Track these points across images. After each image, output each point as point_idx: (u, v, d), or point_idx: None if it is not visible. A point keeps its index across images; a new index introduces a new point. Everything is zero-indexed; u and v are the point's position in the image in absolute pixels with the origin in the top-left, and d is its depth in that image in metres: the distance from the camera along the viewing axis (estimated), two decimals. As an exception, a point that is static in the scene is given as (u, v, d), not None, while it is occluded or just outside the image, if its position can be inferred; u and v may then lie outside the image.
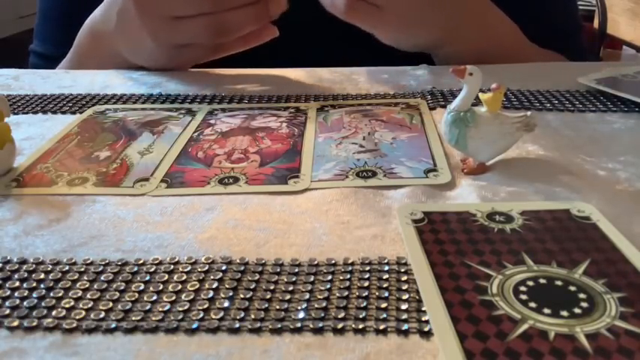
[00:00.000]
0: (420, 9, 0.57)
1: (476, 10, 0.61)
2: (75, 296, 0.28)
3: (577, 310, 0.26)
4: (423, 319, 0.26)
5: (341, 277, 0.29)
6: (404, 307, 0.27)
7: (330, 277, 0.29)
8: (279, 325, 0.26)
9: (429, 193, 0.36)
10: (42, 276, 0.29)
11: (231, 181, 0.39)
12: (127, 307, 0.27)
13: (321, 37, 0.58)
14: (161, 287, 0.29)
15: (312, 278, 0.29)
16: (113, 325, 0.26)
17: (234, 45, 0.58)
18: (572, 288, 0.27)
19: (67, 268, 0.30)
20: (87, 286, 0.29)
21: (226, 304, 0.27)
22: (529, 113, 0.39)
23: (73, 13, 0.71)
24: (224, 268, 0.30)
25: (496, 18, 0.63)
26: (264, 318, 0.26)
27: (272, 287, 0.28)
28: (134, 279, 0.29)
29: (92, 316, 0.27)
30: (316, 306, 0.27)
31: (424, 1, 0.57)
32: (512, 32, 0.64)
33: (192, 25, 0.54)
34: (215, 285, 0.29)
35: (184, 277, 0.29)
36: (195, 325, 0.26)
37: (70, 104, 0.54)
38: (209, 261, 0.30)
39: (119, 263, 0.31)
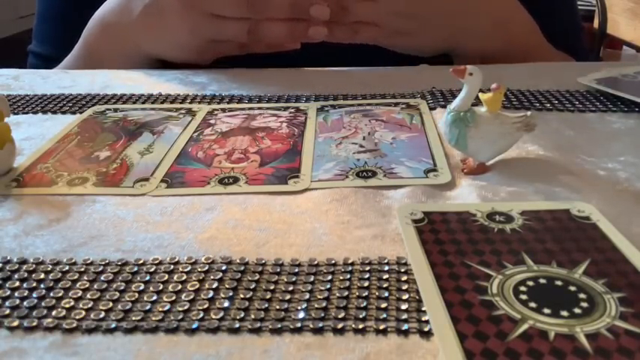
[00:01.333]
0: (417, 23, 0.60)
1: (492, 15, 0.63)
2: (75, 296, 0.28)
3: (577, 310, 0.26)
4: (423, 319, 0.26)
5: (341, 277, 0.29)
6: (404, 307, 0.27)
7: (330, 277, 0.29)
8: (279, 325, 0.26)
9: (429, 193, 0.36)
10: (42, 276, 0.29)
11: (231, 181, 0.39)
12: (127, 307, 0.27)
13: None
14: (161, 287, 0.29)
15: (312, 278, 0.29)
16: (113, 325, 0.26)
17: (260, 46, 0.60)
18: (572, 288, 0.27)
19: (67, 268, 0.30)
20: (87, 286, 0.29)
21: (226, 304, 0.27)
22: (529, 113, 0.39)
23: (71, 14, 0.71)
24: (224, 268, 0.30)
25: (520, 20, 0.64)
26: (264, 318, 0.26)
27: (272, 287, 0.28)
28: (134, 279, 0.29)
29: (92, 316, 0.27)
30: (316, 306, 0.27)
31: (419, 14, 0.60)
32: (532, 32, 0.65)
33: (232, 25, 0.57)
34: (215, 285, 0.29)
35: (184, 277, 0.29)
36: (195, 325, 0.26)
37: (70, 104, 0.54)
38: (209, 261, 0.30)
39: (119, 263, 0.31)
